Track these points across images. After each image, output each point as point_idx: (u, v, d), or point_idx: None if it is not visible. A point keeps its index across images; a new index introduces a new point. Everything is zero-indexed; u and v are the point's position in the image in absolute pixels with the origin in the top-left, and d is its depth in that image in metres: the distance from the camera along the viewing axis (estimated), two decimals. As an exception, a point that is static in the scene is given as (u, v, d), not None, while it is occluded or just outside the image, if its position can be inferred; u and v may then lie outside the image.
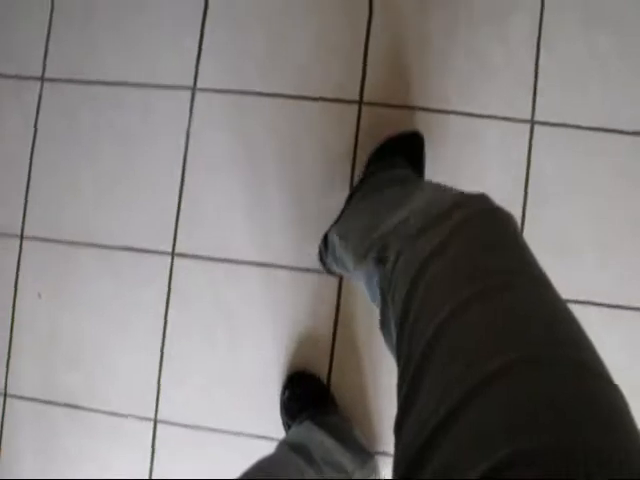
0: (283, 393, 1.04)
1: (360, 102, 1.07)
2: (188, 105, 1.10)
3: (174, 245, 1.09)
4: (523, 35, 1.07)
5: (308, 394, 1.02)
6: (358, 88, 1.07)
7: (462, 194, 0.55)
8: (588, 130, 1.05)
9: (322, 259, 0.98)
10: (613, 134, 1.04)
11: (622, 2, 1.06)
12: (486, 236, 0.47)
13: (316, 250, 0.99)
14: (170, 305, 1.08)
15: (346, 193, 1.06)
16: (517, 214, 1.04)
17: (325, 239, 0.94)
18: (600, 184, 1.04)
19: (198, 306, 1.08)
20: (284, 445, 0.87)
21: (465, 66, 1.07)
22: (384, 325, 0.54)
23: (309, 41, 1.09)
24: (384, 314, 0.53)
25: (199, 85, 1.10)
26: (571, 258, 1.03)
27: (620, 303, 1.02)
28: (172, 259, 1.09)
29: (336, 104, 1.08)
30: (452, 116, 1.06)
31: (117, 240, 1.10)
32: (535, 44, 1.06)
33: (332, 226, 0.90)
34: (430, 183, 0.71)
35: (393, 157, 0.98)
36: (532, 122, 1.06)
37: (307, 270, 1.06)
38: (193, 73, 1.11)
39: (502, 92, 1.06)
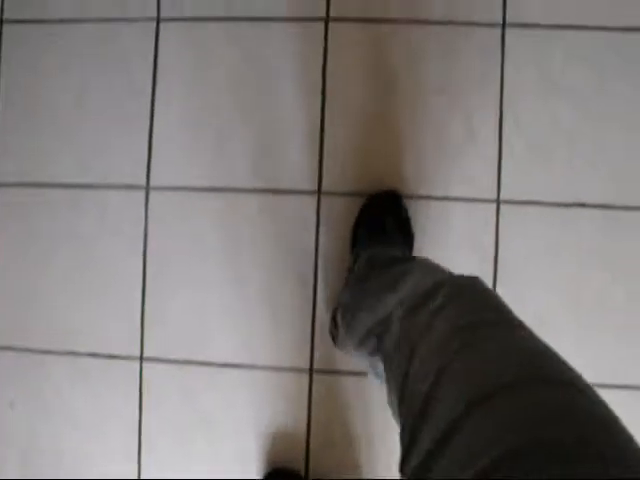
0: None
1: (319, 192, 1.04)
2: (143, 204, 1.07)
3: (142, 349, 1.07)
4: (484, 111, 1.02)
5: None
6: (316, 178, 1.04)
7: (444, 276, 0.63)
8: (554, 206, 1.01)
9: (334, 339, 0.96)
10: (579, 208, 1.01)
11: (583, 77, 1.01)
12: (466, 306, 0.52)
13: (279, 350, 0.97)
14: (143, 410, 1.07)
15: (311, 289, 1.04)
16: (487, 296, 1.01)
17: (334, 319, 0.92)
18: (569, 260, 1.01)
19: (172, 409, 1.07)
20: None
21: (426, 147, 1.03)
22: (390, 401, 0.58)
23: (262, 133, 1.05)
24: (388, 390, 0.58)
25: (152, 184, 1.07)
26: (542, 337, 1.01)
27: (595, 382, 1.00)
28: (141, 363, 1.07)
29: (293, 195, 1.04)
30: (415, 200, 1.02)
31: (85, 346, 1.09)
32: (497, 121, 1.02)
33: (337, 309, 0.89)
34: (419, 264, 0.74)
35: (378, 227, 0.96)
36: (498, 201, 1.02)
37: (278, 369, 1.04)
38: (145, 172, 1.07)
39: (466, 172, 1.02)
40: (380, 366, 0.64)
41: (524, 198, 1.02)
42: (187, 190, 1.06)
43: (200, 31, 1.07)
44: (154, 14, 1.08)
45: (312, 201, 1.04)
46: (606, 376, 1.00)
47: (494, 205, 1.02)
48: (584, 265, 1.01)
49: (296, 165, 1.04)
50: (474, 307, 0.52)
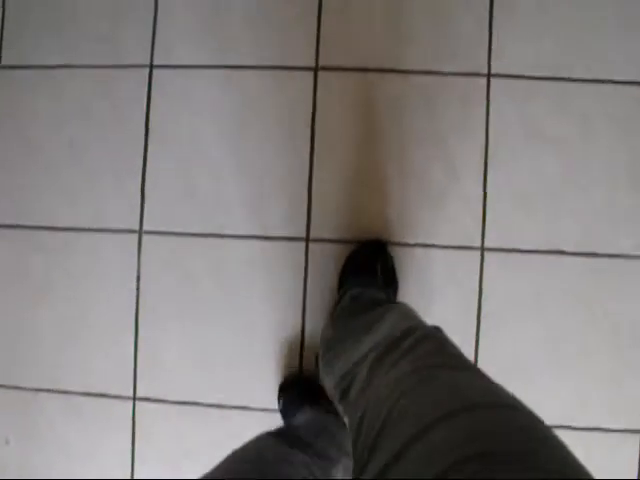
0: (279, 403, 1.05)
1: (307, 239, 1.06)
2: (136, 248, 1.10)
3: (134, 389, 1.10)
4: (469, 160, 1.04)
5: (302, 394, 1.02)
6: (304, 224, 1.06)
7: (417, 322, 0.67)
8: (537, 253, 1.04)
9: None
10: (561, 256, 1.03)
11: (567, 127, 1.04)
12: (429, 349, 0.56)
13: (268, 393, 1.00)
14: (136, 451, 1.10)
15: (299, 330, 1.06)
16: (471, 340, 1.04)
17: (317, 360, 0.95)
18: (551, 306, 1.04)
19: (164, 448, 1.09)
20: (269, 437, 0.80)
21: (412, 196, 1.05)
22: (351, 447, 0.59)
23: (252, 180, 1.07)
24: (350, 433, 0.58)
25: (145, 228, 1.09)
26: (525, 383, 1.04)
27: (573, 425, 1.03)
28: (134, 403, 1.10)
29: (282, 241, 1.07)
30: (400, 247, 1.05)
31: (79, 386, 1.11)
32: (482, 170, 1.04)
33: (320, 350, 0.89)
34: (399, 309, 0.76)
35: (365, 273, 0.99)
36: (482, 249, 1.04)
37: (266, 410, 1.07)
38: (138, 217, 1.09)
39: (450, 220, 1.05)
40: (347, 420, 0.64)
41: (508, 246, 1.04)
42: (179, 235, 1.09)
43: (192, 78, 1.09)
44: (147, 61, 1.10)
45: (300, 247, 1.06)
46: (586, 419, 1.03)
47: (478, 252, 1.04)
48: (565, 310, 1.03)
49: (285, 212, 1.07)
50: (439, 351, 0.55)
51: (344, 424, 0.85)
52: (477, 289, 1.04)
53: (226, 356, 1.08)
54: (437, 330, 0.63)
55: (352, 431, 0.53)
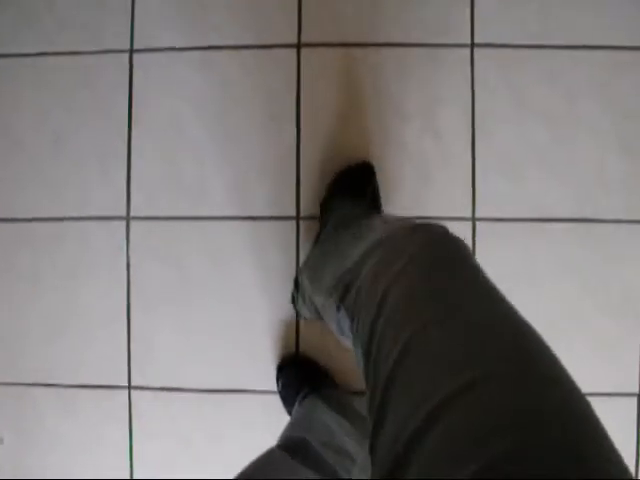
0: (277, 384, 1.04)
1: (297, 217, 1.05)
2: (124, 235, 1.08)
3: (129, 378, 1.08)
4: (456, 131, 1.04)
5: (301, 375, 1.02)
6: (294, 203, 1.05)
7: (415, 224, 0.56)
8: (528, 221, 1.04)
9: (294, 302, 0.99)
10: (551, 223, 1.04)
11: (553, 96, 1.04)
12: (438, 262, 0.49)
13: (266, 376, 0.99)
14: (133, 442, 1.08)
15: (292, 318, 1.05)
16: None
17: (296, 282, 0.94)
18: (544, 274, 1.04)
19: (162, 436, 1.08)
20: (274, 449, 0.79)
21: (400, 168, 1.05)
22: (357, 359, 0.53)
23: (239, 161, 1.06)
24: (355, 346, 0.54)
25: (132, 214, 1.08)
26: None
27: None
28: (129, 393, 1.08)
29: (272, 221, 1.06)
30: (392, 221, 1.04)
31: (72, 378, 1.09)
32: (470, 140, 1.04)
33: (301, 268, 0.90)
34: (386, 215, 0.74)
35: (348, 192, 0.98)
36: (473, 219, 1.04)
37: (264, 392, 1.06)
38: (125, 203, 1.08)
39: (440, 192, 1.04)
40: (346, 323, 0.59)
41: (498, 215, 1.04)
42: (168, 220, 1.07)
43: (173, 62, 1.08)
44: (127, 46, 1.09)
45: (291, 226, 1.05)
46: (582, 385, 1.03)
47: (470, 223, 1.04)
48: (559, 278, 1.04)
49: (274, 191, 1.06)
50: (445, 267, 0.48)
51: (348, 423, 0.83)
52: (470, 260, 1.04)
53: (221, 340, 1.07)
54: (442, 228, 0.56)
55: (361, 345, 0.49)
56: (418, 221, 0.57)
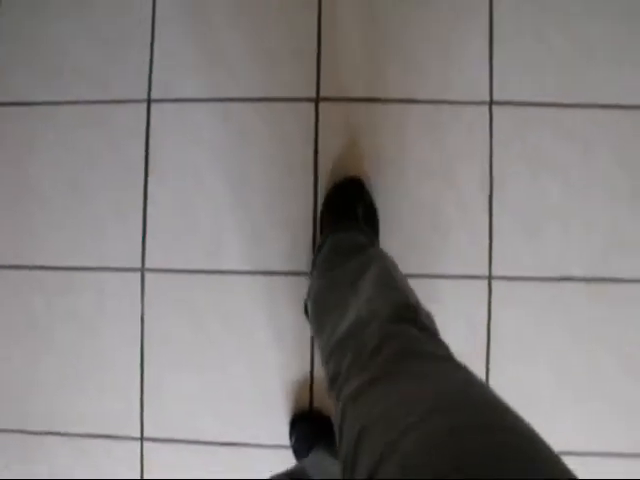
0: (290, 439, 1.04)
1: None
2: (139, 286, 1.08)
3: (142, 429, 1.08)
4: (474, 186, 1.04)
5: (314, 430, 1.02)
6: (309, 259, 1.05)
7: (386, 333, 0.59)
8: (544, 281, 1.03)
9: (307, 313, 0.97)
10: (567, 282, 1.03)
11: (570, 153, 1.03)
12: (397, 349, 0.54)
13: (279, 430, 0.98)
14: (145, 490, 1.08)
15: (308, 365, 1.05)
16: (481, 370, 1.04)
17: (306, 307, 0.95)
18: (560, 333, 1.03)
19: (173, 488, 1.08)
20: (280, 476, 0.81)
21: (418, 225, 1.04)
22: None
23: (254, 214, 1.06)
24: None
25: (147, 265, 1.08)
26: (536, 411, 1.03)
27: (590, 450, 1.03)
28: (141, 444, 1.08)
29: (289, 277, 1.06)
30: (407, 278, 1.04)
31: (84, 427, 1.09)
32: (487, 197, 1.04)
33: (307, 295, 0.90)
34: (373, 275, 0.74)
35: (342, 212, 0.98)
36: (490, 278, 1.04)
37: (277, 446, 1.06)
38: (140, 254, 1.08)
39: (457, 249, 1.04)
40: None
41: (515, 274, 1.04)
42: (183, 272, 1.07)
43: (191, 112, 1.08)
44: (145, 96, 1.09)
45: (305, 282, 1.05)
46: (602, 445, 1.02)
47: (486, 281, 1.04)
48: (571, 338, 1.03)
49: (289, 247, 1.05)
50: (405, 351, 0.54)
51: None
52: (486, 318, 1.04)
53: (234, 393, 1.06)
54: (410, 313, 0.63)
55: (336, 427, 0.54)
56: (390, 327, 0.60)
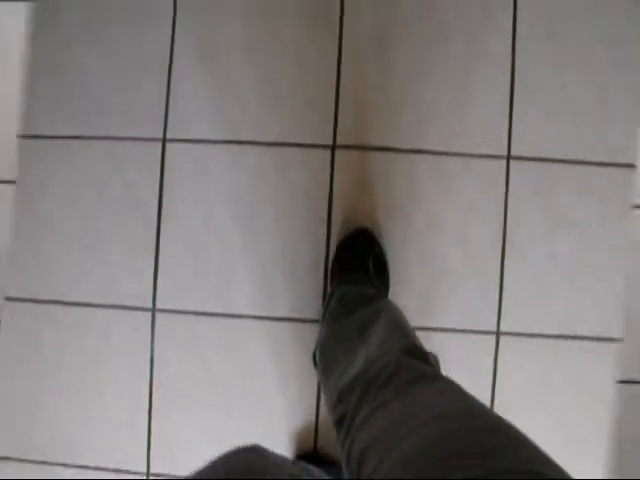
0: None
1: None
2: (149, 326, 1.09)
3: (148, 467, 1.10)
4: (487, 242, 1.04)
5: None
6: (320, 306, 1.06)
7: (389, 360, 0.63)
8: (552, 338, 1.04)
9: (315, 363, 0.99)
10: (575, 341, 1.04)
11: (585, 210, 1.03)
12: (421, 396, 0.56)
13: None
14: (149, 526, 1.10)
15: (314, 411, 1.06)
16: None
17: (314, 358, 0.94)
18: (563, 392, 1.04)
19: (176, 523, 1.10)
20: None
21: (428, 278, 1.04)
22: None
23: (266, 259, 1.06)
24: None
25: (158, 306, 1.08)
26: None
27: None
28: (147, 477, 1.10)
29: (299, 324, 1.06)
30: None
31: (91, 460, 1.11)
32: (500, 253, 1.04)
33: (316, 347, 0.91)
34: (381, 325, 0.75)
35: (352, 264, 0.99)
36: (498, 333, 1.04)
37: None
38: (151, 294, 1.08)
39: (466, 304, 1.04)
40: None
41: (523, 330, 1.04)
42: (193, 314, 1.08)
43: (206, 154, 1.08)
44: (160, 135, 1.08)
45: (315, 330, 1.06)
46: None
47: (494, 337, 1.04)
48: (575, 395, 1.04)
49: (301, 293, 1.06)
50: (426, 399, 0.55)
51: None
52: (491, 372, 1.05)
53: (240, 435, 1.08)
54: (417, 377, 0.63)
55: (343, 460, 0.58)
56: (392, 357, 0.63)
